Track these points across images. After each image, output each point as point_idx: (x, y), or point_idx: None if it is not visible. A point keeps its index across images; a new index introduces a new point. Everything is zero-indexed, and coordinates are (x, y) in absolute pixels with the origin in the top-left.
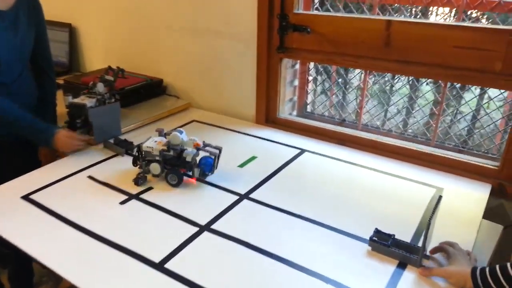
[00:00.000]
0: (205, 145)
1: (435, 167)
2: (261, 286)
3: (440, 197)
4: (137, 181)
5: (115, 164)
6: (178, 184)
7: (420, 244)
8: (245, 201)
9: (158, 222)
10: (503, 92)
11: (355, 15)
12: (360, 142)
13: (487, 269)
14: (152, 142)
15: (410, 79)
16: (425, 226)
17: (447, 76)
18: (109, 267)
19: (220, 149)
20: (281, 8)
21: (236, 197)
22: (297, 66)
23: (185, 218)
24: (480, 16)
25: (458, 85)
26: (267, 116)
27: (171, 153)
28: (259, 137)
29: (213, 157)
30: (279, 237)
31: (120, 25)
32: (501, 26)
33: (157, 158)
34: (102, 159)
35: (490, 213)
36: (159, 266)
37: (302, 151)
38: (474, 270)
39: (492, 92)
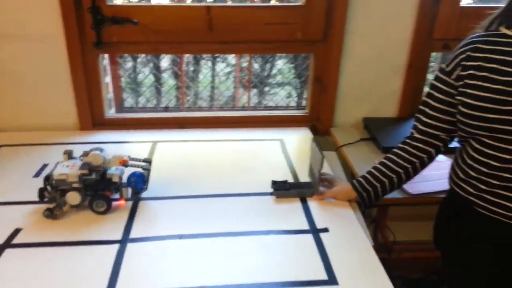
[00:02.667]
0: (131, 159)
1: (265, 125)
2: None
3: (313, 140)
4: (50, 215)
5: None
6: (107, 210)
7: (309, 180)
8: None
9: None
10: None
11: (175, 3)
12: (198, 121)
13: (360, 179)
14: (64, 168)
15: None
16: (293, 169)
17: (264, 49)
18: None
19: (150, 162)
20: (92, 1)
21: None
22: (106, 61)
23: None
24: None
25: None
26: (94, 119)
27: (93, 176)
28: (95, 142)
29: (142, 171)
30: (203, 219)
31: None
32: (297, 3)
33: (75, 185)
34: None
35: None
36: None
37: (154, 143)
38: (352, 183)
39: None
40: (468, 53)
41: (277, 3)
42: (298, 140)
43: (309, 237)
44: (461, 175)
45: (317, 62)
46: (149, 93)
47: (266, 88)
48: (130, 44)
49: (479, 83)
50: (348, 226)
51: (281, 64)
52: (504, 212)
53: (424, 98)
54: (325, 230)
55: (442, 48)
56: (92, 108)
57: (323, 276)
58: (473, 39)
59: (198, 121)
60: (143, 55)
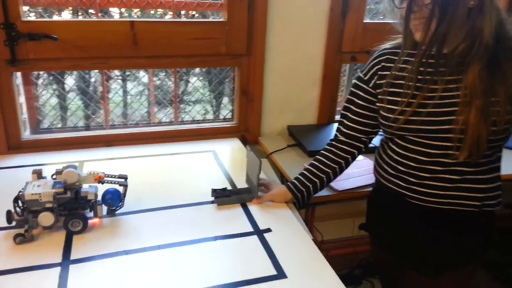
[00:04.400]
0: (106, 175)
1: (195, 139)
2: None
3: (248, 148)
4: (23, 240)
5: None
6: (83, 229)
7: (247, 186)
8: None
9: None
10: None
11: (98, 19)
12: (126, 138)
13: (294, 181)
14: (36, 188)
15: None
16: (229, 177)
17: (190, 63)
18: None
19: (126, 177)
20: (4, 17)
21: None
22: (20, 80)
23: None
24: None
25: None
26: (9, 142)
27: (68, 194)
28: (12, 167)
29: (118, 187)
30: (147, 233)
31: None
32: (219, 19)
33: (48, 205)
34: None
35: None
36: None
37: (81, 163)
38: (287, 185)
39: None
40: (383, 63)
41: (201, 19)
42: (230, 151)
43: (255, 238)
44: (391, 171)
45: (242, 75)
46: (54, 115)
47: (182, 105)
48: (49, 61)
49: (396, 89)
50: (289, 225)
51: (195, 80)
52: (434, 199)
53: (346, 104)
54: (268, 230)
55: (351, 60)
56: (6, 130)
57: (272, 272)
58: (385, 50)
59: (126, 137)
60: (46, 74)
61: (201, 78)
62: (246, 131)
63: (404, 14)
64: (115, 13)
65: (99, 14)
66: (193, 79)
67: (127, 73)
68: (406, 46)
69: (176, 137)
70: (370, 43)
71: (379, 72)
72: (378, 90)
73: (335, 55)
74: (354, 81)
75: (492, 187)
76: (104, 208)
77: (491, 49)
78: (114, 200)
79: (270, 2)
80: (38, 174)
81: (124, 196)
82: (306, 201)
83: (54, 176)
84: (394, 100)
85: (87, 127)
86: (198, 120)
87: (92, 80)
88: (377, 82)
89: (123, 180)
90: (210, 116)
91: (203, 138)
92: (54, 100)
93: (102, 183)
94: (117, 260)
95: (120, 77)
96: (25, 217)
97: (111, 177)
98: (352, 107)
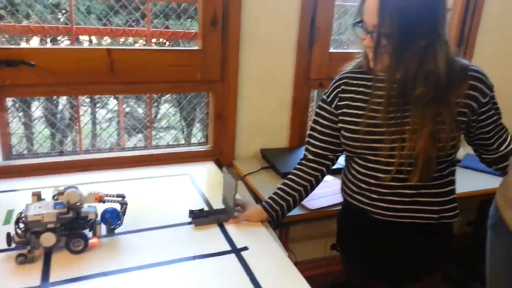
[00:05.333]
0: (106, 195)
1: (170, 162)
2: None
3: (225, 170)
4: (25, 260)
5: None
6: (84, 249)
7: (224, 206)
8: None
9: None
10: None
11: (76, 46)
12: (101, 163)
13: (268, 200)
14: (37, 209)
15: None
16: (206, 199)
17: (165, 89)
18: None
19: (124, 196)
20: None
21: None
22: None
23: None
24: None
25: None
26: None
27: (70, 214)
28: None
29: (119, 206)
30: (126, 254)
31: None
32: (194, 48)
33: (50, 226)
34: None
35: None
36: None
37: (56, 188)
38: (262, 205)
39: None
40: (342, 87)
41: (179, 48)
42: (205, 173)
43: (232, 257)
44: (354, 189)
45: (216, 100)
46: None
47: (153, 132)
48: (25, 87)
49: (354, 111)
50: (265, 243)
51: (169, 108)
52: (394, 213)
53: (312, 124)
54: (245, 248)
55: (318, 86)
56: None
57: None
58: (344, 75)
59: (101, 162)
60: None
61: (171, 104)
62: (221, 154)
63: (365, 44)
64: (85, 40)
65: (66, 42)
66: (164, 106)
67: (97, 99)
68: (365, 72)
69: (151, 161)
70: (336, 71)
71: (339, 95)
72: (339, 111)
73: (303, 82)
74: (319, 102)
75: (448, 200)
76: (103, 227)
77: (440, 79)
78: (113, 218)
79: (242, 31)
80: (38, 196)
81: (124, 215)
82: (281, 219)
83: (56, 197)
84: (352, 121)
85: (61, 153)
86: (173, 145)
87: (60, 108)
88: (338, 103)
89: (122, 199)
90: (181, 142)
91: (178, 161)
92: (19, 126)
93: (104, 202)
94: (96, 282)
95: (89, 105)
96: (27, 238)
97: (110, 196)
98: (318, 127)
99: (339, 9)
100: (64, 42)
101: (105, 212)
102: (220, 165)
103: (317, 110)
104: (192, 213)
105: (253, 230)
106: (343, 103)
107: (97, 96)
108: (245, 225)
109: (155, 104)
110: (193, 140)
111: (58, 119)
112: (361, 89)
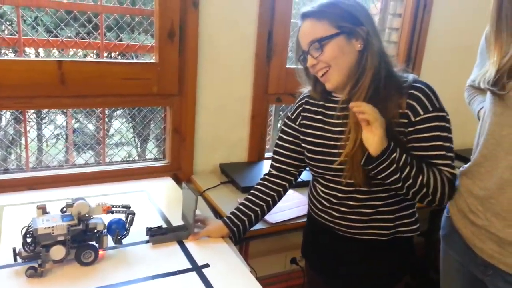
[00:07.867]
0: (113, 206)
1: (126, 179)
2: None
3: (184, 185)
4: (35, 274)
5: None
6: (94, 260)
7: (183, 223)
8: None
9: None
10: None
11: (23, 58)
12: (50, 180)
13: (230, 215)
14: (46, 222)
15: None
16: (164, 216)
17: (120, 103)
18: None
19: (129, 207)
20: None
21: None
22: None
23: None
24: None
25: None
26: None
27: (80, 226)
28: None
29: (123, 216)
30: (83, 276)
31: None
32: (150, 61)
33: (60, 238)
34: None
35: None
36: None
37: (0, 207)
38: (223, 220)
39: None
40: (304, 106)
41: (132, 60)
42: (163, 189)
43: (193, 275)
44: (319, 206)
45: (174, 114)
46: None
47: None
48: None
49: (314, 132)
50: (227, 259)
51: (122, 123)
52: (355, 231)
53: (277, 141)
54: (207, 265)
55: (276, 101)
56: None
57: None
58: (305, 95)
59: (50, 180)
60: None
61: (124, 120)
62: (179, 169)
63: (314, 68)
64: (31, 53)
65: (11, 54)
66: (118, 121)
67: (44, 115)
68: (316, 94)
69: (105, 177)
70: (294, 86)
71: (302, 114)
72: (302, 129)
73: (262, 96)
74: (284, 119)
75: (405, 214)
76: (110, 238)
77: (378, 86)
78: (121, 228)
79: (200, 45)
80: (43, 209)
81: (131, 225)
82: (242, 235)
83: (64, 209)
84: (312, 141)
85: (6, 170)
86: (128, 160)
87: (3, 123)
88: (301, 122)
89: (129, 209)
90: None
91: (134, 178)
92: None
93: (112, 213)
94: None
95: (34, 121)
96: (37, 252)
97: (117, 207)
98: (282, 143)
99: (294, 26)
100: (9, 55)
101: (111, 223)
102: (178, 180)
103: (282, 127)
104: (149, 230)
105: (214, 246)
106: (305, 122)
107: (45, 110)
108: (205, 241)
109: (106, 119)
110: (149, 156)
111: (1, 135)
112: (320, 109)
